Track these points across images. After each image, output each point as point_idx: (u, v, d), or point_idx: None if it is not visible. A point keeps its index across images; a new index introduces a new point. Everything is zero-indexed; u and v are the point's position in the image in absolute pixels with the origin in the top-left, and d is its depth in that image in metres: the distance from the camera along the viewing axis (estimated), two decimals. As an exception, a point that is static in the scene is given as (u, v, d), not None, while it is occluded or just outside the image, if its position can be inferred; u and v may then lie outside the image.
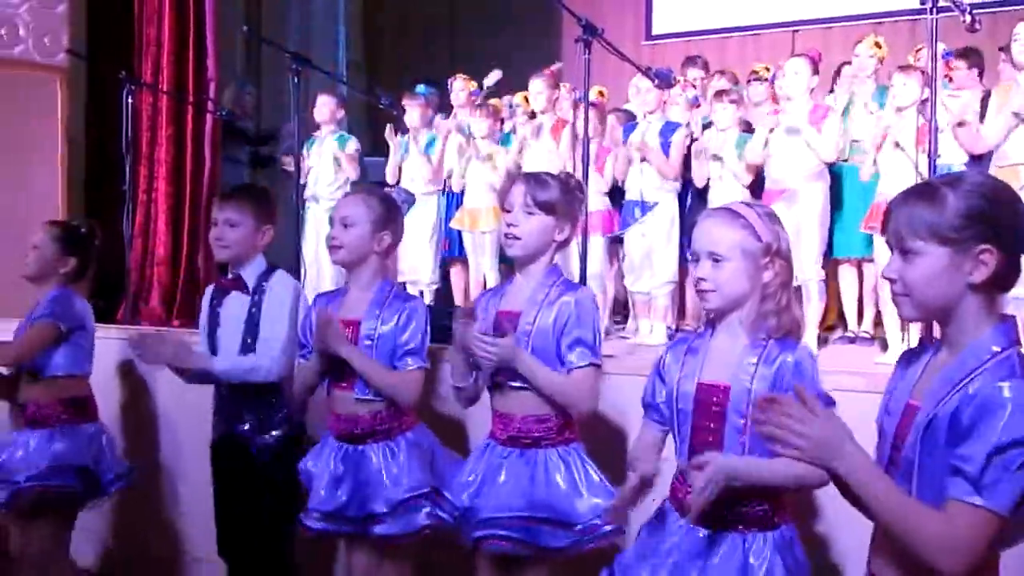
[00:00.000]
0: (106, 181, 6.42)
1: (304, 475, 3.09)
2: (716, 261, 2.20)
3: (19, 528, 3.61)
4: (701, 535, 2.18)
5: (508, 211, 2.76)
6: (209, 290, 3.51)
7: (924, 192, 1.74)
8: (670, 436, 2.34)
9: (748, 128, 5.37)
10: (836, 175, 5.19)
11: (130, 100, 5.45)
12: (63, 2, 5.99)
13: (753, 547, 2.15)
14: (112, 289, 5.61)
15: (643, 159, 5.29)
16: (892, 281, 1.76)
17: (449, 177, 6.18)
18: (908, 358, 1.88)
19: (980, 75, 5.18)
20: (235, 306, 3.31)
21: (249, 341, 3.27)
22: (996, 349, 1.68)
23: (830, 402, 2.15)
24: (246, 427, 3.30)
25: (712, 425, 2.20)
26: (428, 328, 2.98)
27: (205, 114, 5.96)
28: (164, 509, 4.45)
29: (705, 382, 2.23)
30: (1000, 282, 1.71)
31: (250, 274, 3.34)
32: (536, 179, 2.78)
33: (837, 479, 1.71)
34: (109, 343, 4.03)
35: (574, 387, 2.68)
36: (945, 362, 1.75)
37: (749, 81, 5.98)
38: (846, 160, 5.27)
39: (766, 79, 5.62)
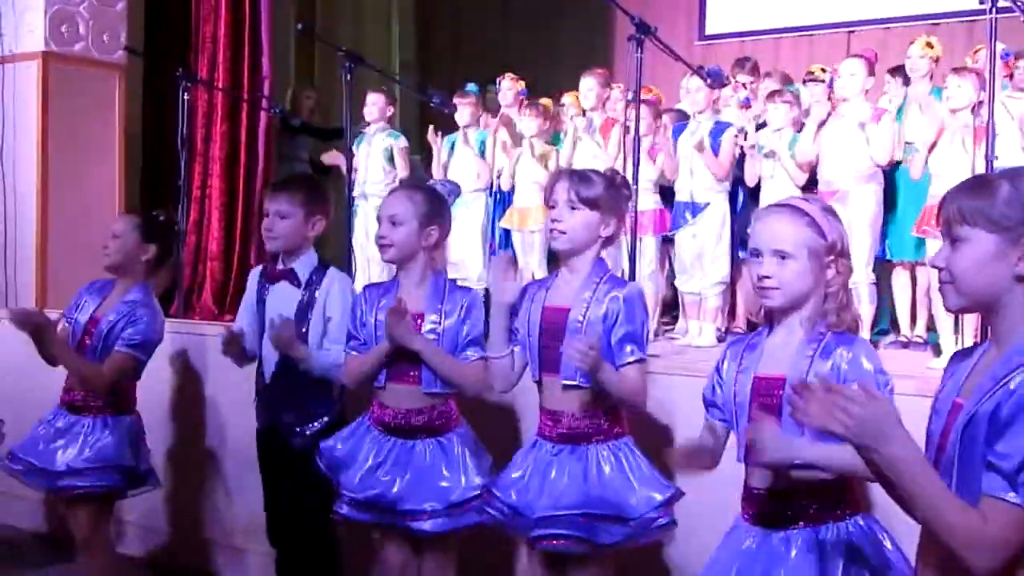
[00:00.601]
0: (163, 176, 6.53)
1: (327, 456, 3.09)
2: (782, 258, 2.18)
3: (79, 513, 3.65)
4: (775, 540, 2.17)
5: (552, 207, 2.76)
6: (256, 273, 3.52)
7: (978, 181, 1.75)
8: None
9: (802, 129, 5.32)
10: (890, 177, 5.12)
11: (186, 97, 5.53)
12: (122, 0, 6.08)
13: (827, 540, 2.14)
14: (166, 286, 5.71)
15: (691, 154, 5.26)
16: (940, 269, 1.74)
17: (498, 176, 6.20)
18: (958, 359, 1.86)
19: (1042, 75, 5.09)
20: (283, 297, 3.33)
21: (302, 332, 3.29)
22: None
23: (891, 390, 2.14)
24: (288, 419, 3.33)
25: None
26: (483, 320, 3.00)
27: (259, 111, 6.03)
28: (211, 498, 4.51)
29: (761, 375, 2.23)
30: None
31: (302, 268, 3.36)
32: (580, 175, 2.78)
33: (874, 467, 1.66)
34: (164, 336, 4.07)
35: (629, 384, 2.67)
36: (993, 359, 1.72)
37: (805, 82, 5.93)
38: (900, 162, 5.20)
39: (823, 80, 5.56)
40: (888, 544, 2.17)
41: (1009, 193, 1.67)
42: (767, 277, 2.20)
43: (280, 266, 3.39)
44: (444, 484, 2.93)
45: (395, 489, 2.94)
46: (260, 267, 3.55)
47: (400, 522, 2.95)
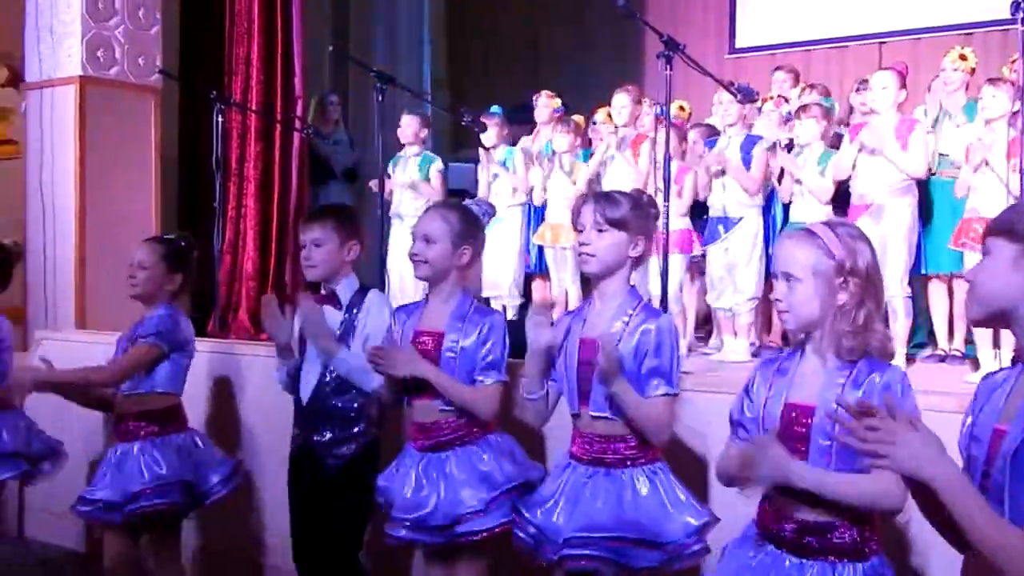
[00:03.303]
0: (198, 197, 6.61)
1: (382, 493, 3.12)
2: (790, 281, 2.19)
3: (114, 539, 3.69)
4: (788, 564, 2.15)
5: (580, 231, 2.76)
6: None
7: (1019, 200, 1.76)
8: None
9: (837, 143, 5.31)
10: (926, 190, 5.08)
11: (220, 119, 5.60)
12: (157, 24, 6.16)
13: None
14: (202, 303, 5.76)
15: (722, 172, 5.25)
16: (969, 282, 1.74)
17: (531, 192, 6.22)
18: (988, 383, 1.84)
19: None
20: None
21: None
22: None
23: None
24: (323, 439, 3.34)
25: (798, 446, 2.17)
26: (507, 342, 3.00)
27: (292, 132, 6.08)
28: (245, 517, 4.53)
29: (792, 402, 2.21)
30: None
31: (344, 291, 3.39)
32: (606, 197, 2.78)
33: (919, 496, 1.66)
34: (199, 355, 4.11)
35: (653, 415, 2.65)
36: None
37: (857, 90, 5.91)
38: (935, 174, 5.16)
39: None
40: None
41: None
42: (779, 300, 2.21)
43: (322, 292, 3.42)
44: (477, 486, 2.92)
45: (435, 505, 2.95)
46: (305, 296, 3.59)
47: (441, 538, 2.96)
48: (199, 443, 3.76)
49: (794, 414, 2.20)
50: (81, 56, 5.80)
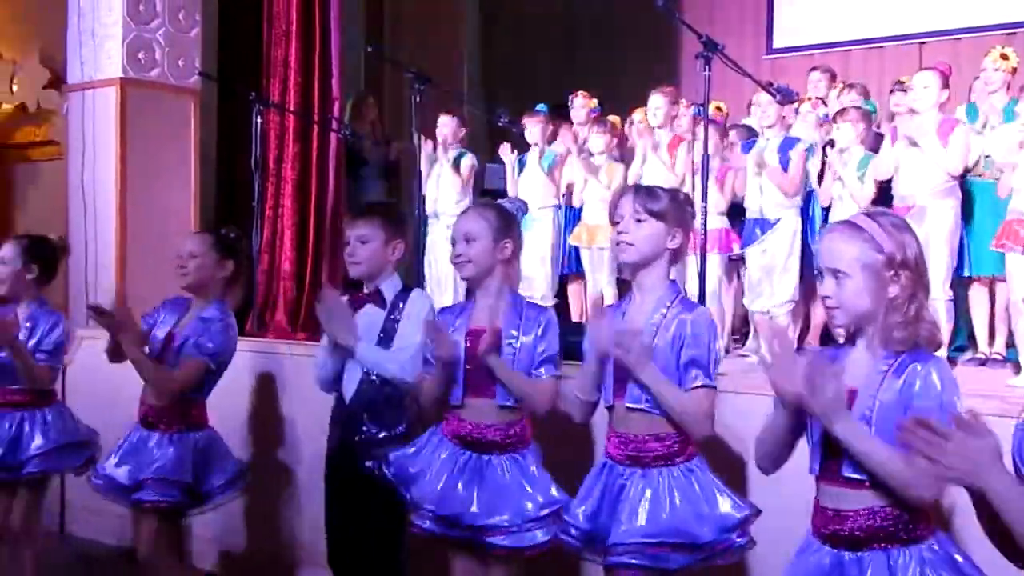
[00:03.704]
0: (235, 198, 6.66)
1: (396, 465, 3.11)
2: (839, 277, 2.16)
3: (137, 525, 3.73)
4: (847, 558, 2.14)
5: (617, 223, 2.77)
6: None
7: None
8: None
9: (878, 145, 5.26)
10: (969, 191, 5.03)
11: (259, 120, 5.64)
12: (196, 26, 6.22)
13: (899, 563, 2.09)
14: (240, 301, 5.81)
15: (759, 171, 5.22)
16: None
17: (568, 193, 6.21)
18: None
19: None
20: (367, 323, 3.36)
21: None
22: None
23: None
24: (362, 438, 3.35)
25: None
26: (558, 339, 3.02)
27: (329, 133, 6.12)
28: (283, 515, 4.57)
29: None
30: None
31: (387, 289, 3.40)
32: (645, 189, 2.80)
33: (980, 510, 1.64)
34: (240, 354, 4.15)
35: (690, 407, 2.64)
36: None
37: (892, 91, 5.87)
38: (980, 176, 5.10)
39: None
40: (964, 564, 2.11)
41: None
42: (828, 297, 2.18)
43: (365, 291, 3.44)
44: (523, 499, 2.93)
45: (473, 504, 2.95)
46: (345, 297, 3.60)
47: (478, 537, 2.95)
48: (213, 444, 3.78)
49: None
50: (122, 58, 5.87)
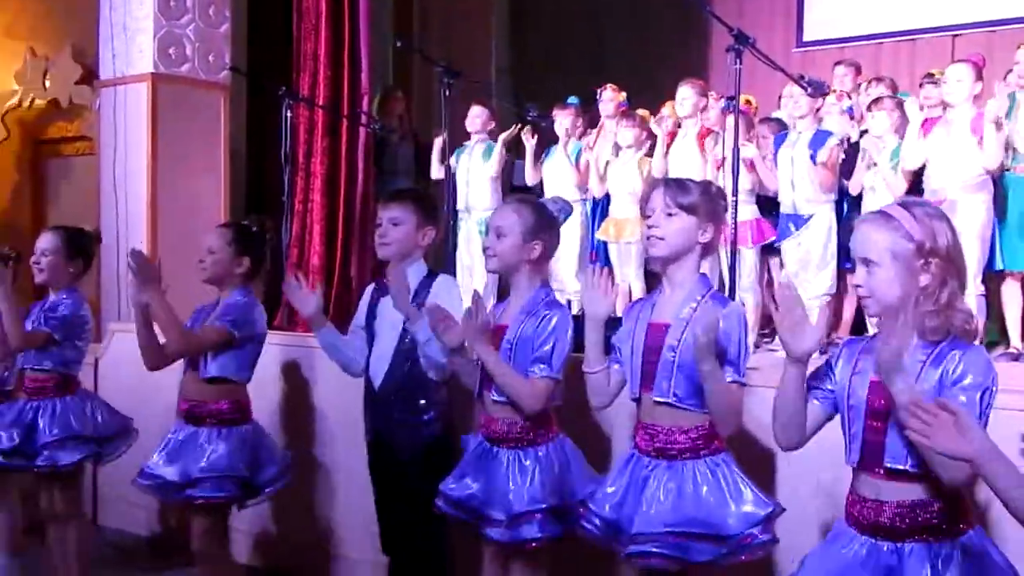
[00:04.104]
0: (264, 192, 6.70)
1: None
2: (868, 266, 2.16)
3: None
4: (886, 549, 2.13)
5: (648, 216, 2.74)
6: (369, 289, 3.59)
7: None
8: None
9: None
10: (1001, 185, 4.98)
11: (288, 114, 5.67)
12: (226, 22, 6.26)
13: (942, 557, 2.09)
14: (271, 295, 5.83)
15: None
16: None
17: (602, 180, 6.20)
18: None
19: None
20: (393, 307, 3.35)
21: (407, 340, 3.33)
22: None
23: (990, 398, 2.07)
24: (396, 425, 3.36)
25: (877, 424, 2.16)
26: (568, 340, 2.95)
27: (358, 127, 6.14)
28: (322, 506, 4.58)
29: (875, 380, 2.17)
30: None
31: (413, 275, 3.36)
32: (676, 182, 2.76)
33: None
34: (269, 347, 4.18)
35: (723, 403, 2.62)
36: None
37: (921, 84, 5.82)
38: (1009, 169, 5.05)
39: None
40: (997, 561, 2.11)
41: None
42: (860, 286, 2.18)
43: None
44: (509, 497, 2.92)
45: (475, 492, 2.99)
46: (373, 283, 3.60)
47: (480, 525, 2.98)
48: (260, 435, 3.80)
49: (876, 392, 2.17)
50: (153, 53, 5.92)
